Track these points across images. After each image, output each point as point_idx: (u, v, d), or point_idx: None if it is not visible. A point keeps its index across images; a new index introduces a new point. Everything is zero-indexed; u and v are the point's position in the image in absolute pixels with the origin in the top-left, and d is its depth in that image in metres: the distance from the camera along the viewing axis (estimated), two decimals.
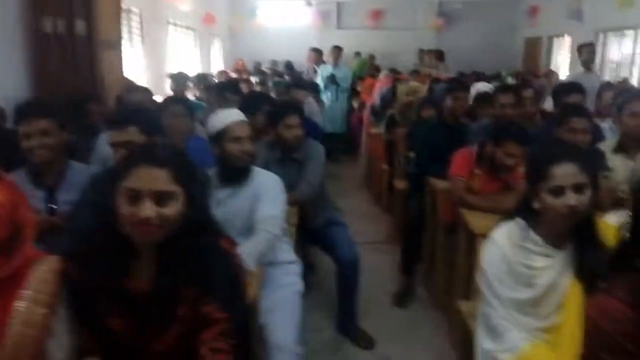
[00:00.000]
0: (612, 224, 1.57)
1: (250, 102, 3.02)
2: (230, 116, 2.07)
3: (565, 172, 1.46)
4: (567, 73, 8.71)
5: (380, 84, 6.14)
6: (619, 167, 2.42)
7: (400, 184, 3.75)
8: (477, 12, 11.63)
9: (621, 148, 2.54)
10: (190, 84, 5.19)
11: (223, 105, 2.98)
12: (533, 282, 1.55)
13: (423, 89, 4.83)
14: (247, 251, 1.82)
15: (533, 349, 1.50)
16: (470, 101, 3.59)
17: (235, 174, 2.03)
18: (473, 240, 2.12)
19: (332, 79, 6.30)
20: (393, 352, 2.57)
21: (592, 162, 1.54)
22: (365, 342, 2.61)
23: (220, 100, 3.48)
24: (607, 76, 7.91)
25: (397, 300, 3.06)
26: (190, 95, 4.97)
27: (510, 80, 7.76)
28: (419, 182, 3.14)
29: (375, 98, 5.75)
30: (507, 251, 1.58)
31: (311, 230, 2.63)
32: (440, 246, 2.83)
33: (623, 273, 1.15)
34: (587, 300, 1.19)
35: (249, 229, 1.95)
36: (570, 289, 1.49)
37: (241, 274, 1.37)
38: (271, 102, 3.22)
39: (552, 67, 9.72)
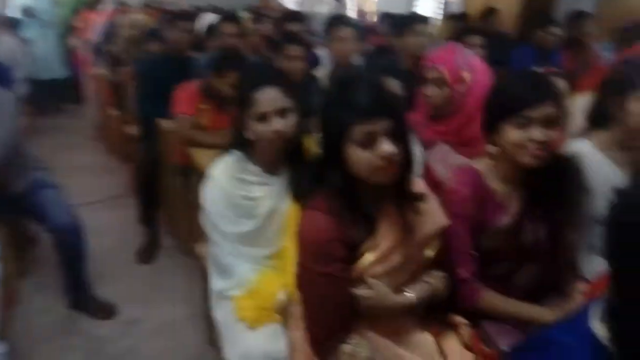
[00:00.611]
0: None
1: None
2: None
3: (267, 97, 1.41)
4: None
5: (101, 18, 5.35)
6: None
7: (132, 129, 3.38)
8: None
9: (334, 73, 2.71)
10: None
11: None
12: (254, 213, 1.51)
13: (148, 21, 4.36)
14: None
15: (259, 278, 1.49)
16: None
17: None
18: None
19: (27, 12, 5.07)
20: (141, 313, 2.36)
21: (295, 86, 1.52)
22: (105, 311, 2.32)
23: None
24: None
25: (141, 255, 2.82)
26: None
27: (246, 15, 7.74)
28: (150, 124, 2.86)
29: (95, 34, 5.00)
30: (225, 186, 1.50)
31: (11, 199, 2.12)
32: (178, 190, 2.65)
33: (321, 186, 1.16)
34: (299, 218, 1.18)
35: None
36: (289, 212, 1.50)
37: None
38: None
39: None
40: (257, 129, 1.43)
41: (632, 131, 1.42)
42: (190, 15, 3.50)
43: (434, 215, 1.25)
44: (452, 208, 1.32)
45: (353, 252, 1.14)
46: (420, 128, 1.88)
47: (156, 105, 2.77)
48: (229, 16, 3.07)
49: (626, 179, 1.42)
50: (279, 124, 1.40)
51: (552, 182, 1.27)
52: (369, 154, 1.06)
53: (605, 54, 3.87)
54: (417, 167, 1.79)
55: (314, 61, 3.18)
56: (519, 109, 1.21)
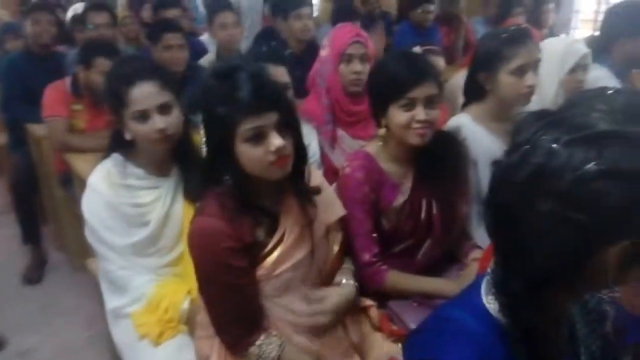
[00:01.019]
0: None
1: None
2: None
3: (144, 93, 1.30)
4: None
5: None
6: None
7: (1, 138, 3.03)
8: None
9: (218, 58, 2.62)
10: None
11: None
12: (146, 220, 1.41)
13: (4, 15, 3.89)
14: None
15: (159, 289, 1.38)
16: None
17: None
18: None
19: None
20: (35, 341, 2.14)
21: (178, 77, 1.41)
22: None
23: None
24: None
25: (29, 276, 2.55)
26: None
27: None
28: (20, 131, 2.59)
29: None
30: (107, 194, 1.37)
31: None
32: (62, 201, 2.41)
33: (214, 186, 1.09)
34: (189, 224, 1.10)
35: None
36: (185, 214, 1.42)
37: None
38: None
39: None
40: (137, 129, 1.31)
41: (504, 102, 1.51)
42: (51, 6, 3.16)
43: (332, 206, 1.25)
44: (348, 193, 1.32)
45: (257, 251, 1.10)
46: (316, 116, 1.85)
47: (25, 108, 2.51)
48: (96, 4, 2.81)
49: (504, 148, 1.51)
50: (161, 122, 1.30)
51: (439, 158, 1.32)
52: (260, 150, 1.01)
53: (480, 29, 4.14)
54: (315, 156, 1.78)
55: (199, 49, 3.03)
56: (402, 92, 1.24)
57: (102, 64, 2.04)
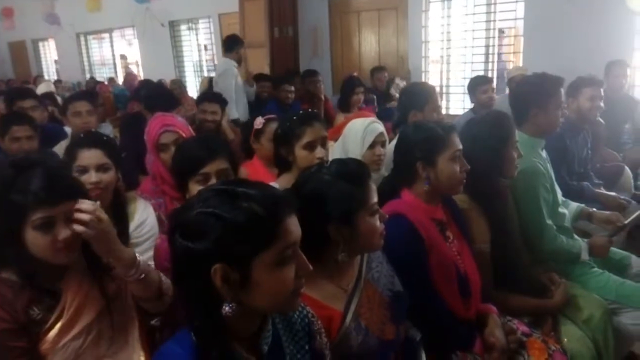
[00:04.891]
0: None
1: None
2: None
3: None
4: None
5: None
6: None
7: None
8: None
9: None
10: None
11: None
12: None
13: None
14: None
15: None
16: None
17: None
18: None
19: None
20: None
21: None
22: None
23: None
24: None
25: None
26: None
27: None
28: None
29: None
30: None
31: None
32: None
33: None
34: None
35: None
36: None
37: None
38: None
39: (44, 71, 9.56)
40: None
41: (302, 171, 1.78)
42: None
43: None
44: (159, 261, 1.48)
45: (37, 329, 1.14)
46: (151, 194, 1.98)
47: None
48: None
49: None
50: None
51: None
52: (48, 238, 1.09)
53: None
54: (152, 230, 1.88)
55: (60, 134, 3.10)
56: (197, 168, 1.44)
57: None
